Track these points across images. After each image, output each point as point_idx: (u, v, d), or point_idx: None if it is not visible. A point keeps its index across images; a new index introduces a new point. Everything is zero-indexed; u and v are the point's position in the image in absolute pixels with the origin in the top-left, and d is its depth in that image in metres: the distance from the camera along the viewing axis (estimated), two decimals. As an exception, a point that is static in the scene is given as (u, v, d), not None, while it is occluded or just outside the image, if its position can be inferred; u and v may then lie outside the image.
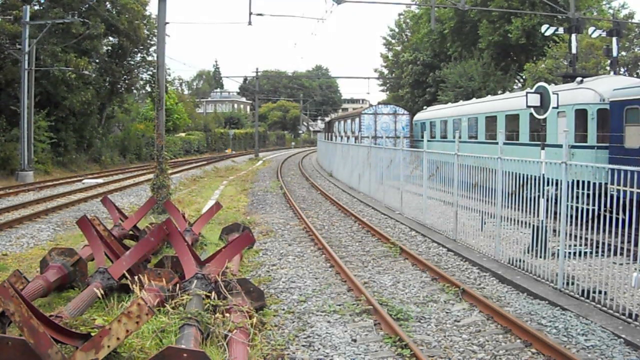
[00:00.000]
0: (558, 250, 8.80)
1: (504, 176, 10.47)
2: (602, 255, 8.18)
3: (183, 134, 58.58)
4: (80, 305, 6.41)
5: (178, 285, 6.99)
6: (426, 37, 42.78)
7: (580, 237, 9.21)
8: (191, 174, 31.59)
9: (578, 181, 8.69)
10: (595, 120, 14.63)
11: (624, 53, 30.45)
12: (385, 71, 58.27)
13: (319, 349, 6.48)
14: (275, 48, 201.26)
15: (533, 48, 33.93)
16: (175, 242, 7.65)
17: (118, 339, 4.83)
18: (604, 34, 21.95)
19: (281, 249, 12.02)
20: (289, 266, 10.49)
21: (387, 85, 58.38)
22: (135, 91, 48.94)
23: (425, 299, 8.39)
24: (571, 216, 8.82)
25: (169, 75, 57.94)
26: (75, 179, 27.75)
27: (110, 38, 38.46)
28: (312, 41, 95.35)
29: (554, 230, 10.33)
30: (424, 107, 36.73)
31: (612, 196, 7.96)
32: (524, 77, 34.00)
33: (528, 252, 10.07)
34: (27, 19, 26.37)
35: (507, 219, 10.50)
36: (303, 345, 6.57)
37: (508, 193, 10.38)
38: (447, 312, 7.78)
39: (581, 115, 14.97)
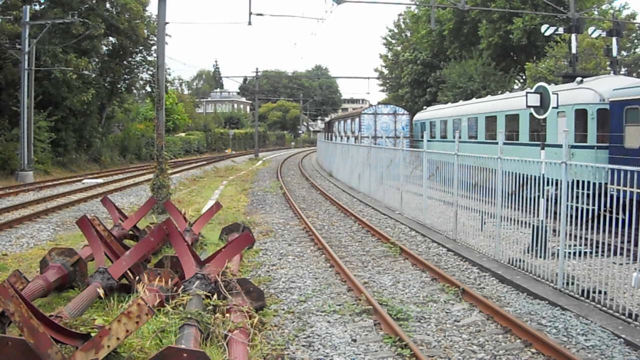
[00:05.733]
0: (558, 250, 8.80)
1: (503, 176, 10.47)
2: (602, 255, 8.18)
3: (183, 134, 58.56)
4: (80, 305, 6.40)
5: (178, 285, 6.99)
6: (425, 38, 42.77)
7: (580, 237, 9.21)
8: (191, 174, 31.58)
9: (578, 181, 8.69)
10: (595, 120, 14.63)
11: (624, 53, 30.48)
12: (385, 71, 58.25)
13: (318, 349, 6.48)
14: (275, 48, 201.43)
15: (534, 48, 33.93)
16: (175, 242, 7.65)
17: (118, 339, 4.83)
18: (604, 34, 21.96)
19: (281, 249, 12.01)
20: (288, 266, 10.49)
21: (387, 85, 58.39)
22: (135, 91, 48.91)
23: (425, 299, 8.39)
24: (571, 216, 8.82)
25: (169, 75, 57.81)
26: (75, 179, 27.74)
27: (110, 38, 38.42)
28: (312, 41, 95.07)
29: (554, 230, 10.33)
30: (424, 107, 36.73)
31: (612, 196, 7.96)
32: (524, 77, 34.00)
33: (528, 252, 10.07)
34: (27, 19, 26.37)
35: (507, 219, 10.50)
36: (303, 345, 6.57)
37: (508, 193, 10.38)
38: (447, 312, 7.78)
39: (581, 115, 14.97)
